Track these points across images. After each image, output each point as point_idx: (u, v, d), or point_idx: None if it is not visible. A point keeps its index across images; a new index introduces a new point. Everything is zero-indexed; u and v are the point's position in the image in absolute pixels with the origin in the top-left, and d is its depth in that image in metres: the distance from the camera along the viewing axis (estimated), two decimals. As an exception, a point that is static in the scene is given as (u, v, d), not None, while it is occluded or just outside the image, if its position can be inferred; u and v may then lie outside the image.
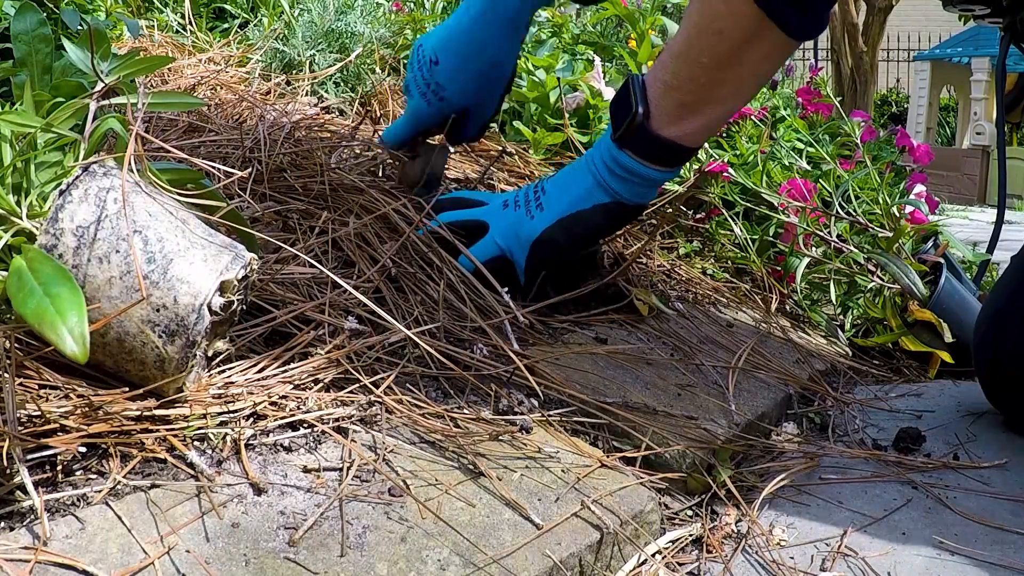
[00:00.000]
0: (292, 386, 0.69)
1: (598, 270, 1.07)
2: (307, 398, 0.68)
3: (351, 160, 1.13)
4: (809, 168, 1.53)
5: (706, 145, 1.47)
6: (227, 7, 1.93)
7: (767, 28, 0.84)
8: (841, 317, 1.40)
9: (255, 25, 1.81)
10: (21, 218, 0.58)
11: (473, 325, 0.85)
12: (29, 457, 0.55)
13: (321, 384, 0.70)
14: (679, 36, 0.89)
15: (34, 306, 0.51)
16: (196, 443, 0.60)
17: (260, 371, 0.68)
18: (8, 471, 0.52)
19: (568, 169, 0.99)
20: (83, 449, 0.56)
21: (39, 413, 0.55)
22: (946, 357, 1.19)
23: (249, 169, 0.96)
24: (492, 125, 1.23)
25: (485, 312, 0.88)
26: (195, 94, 1.23)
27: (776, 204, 1.35)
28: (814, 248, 1.33)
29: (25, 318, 0.50)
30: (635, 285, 1.08)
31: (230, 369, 0.68)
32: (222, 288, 0.61)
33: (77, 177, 0.58)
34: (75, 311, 0.51)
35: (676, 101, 0.90)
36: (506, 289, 0.91)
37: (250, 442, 0.62)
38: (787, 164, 1.50)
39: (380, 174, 1.12)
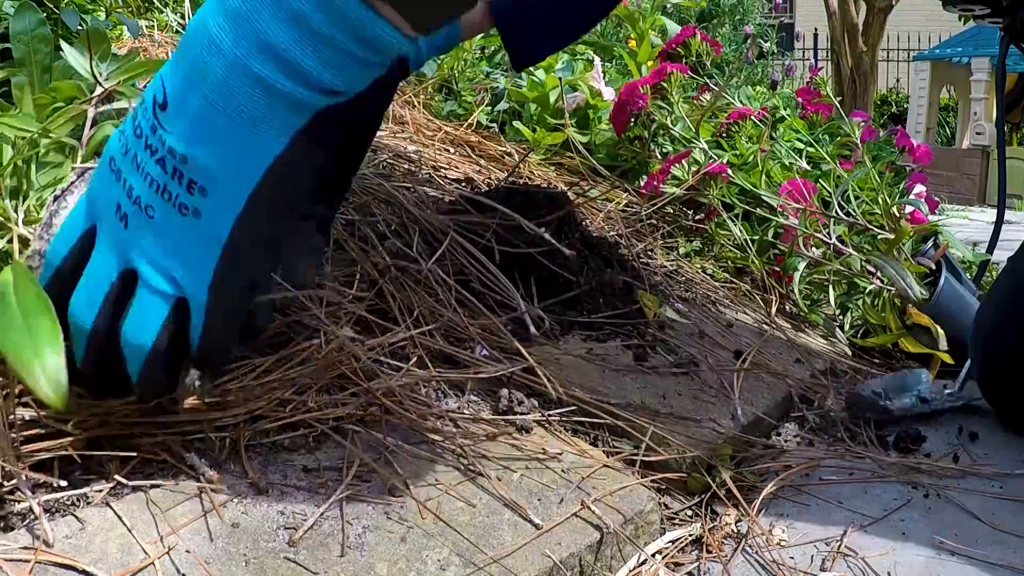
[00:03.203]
0: (292, 387, 0.69)
1: None
2: (307, 399, 0.68)
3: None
4: (809, 168, 1.53)
5: (705, 146, 1.47)
6: (227, 7, 1.92)
7: None
8: (841, 318, 1.40)
9: (255, 25, 1.80)
10: (17, 224, 0.58)
11: (478, 323, 0.85)
12: (28, 456, 0.55)
13: (321, 384, 0.70)
14: None
15: (13, 340, 0.47)
16: (196, 444, 0.60)
17: (260, 373, 0.68)
18: (7, 471, 0.52)
19: (204, 83, 0.44)
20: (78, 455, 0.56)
21: (36, 417, 0.55)
22: (946, 358, 1.19)
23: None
24: None
25: (492, 309, 0.88)
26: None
27: (775, 206, 1.35)
28: (814, 249, 1.33)
29: (4, 352, 0.47)
30: (639, 286, 1.08)
31: (229, 371, 0.68)
32: None
33: (72, 183, 0.57)
34: (54, 350, 0.46)
35: None
36: (543, 230, 0.86)
37: (250, 442, 0.62)
38: (787, 164, 1.50)
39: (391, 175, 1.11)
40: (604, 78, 1.63)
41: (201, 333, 0.53)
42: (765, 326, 1.22)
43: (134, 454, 0.57)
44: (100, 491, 0.54)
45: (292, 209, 0.55)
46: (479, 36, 1.36)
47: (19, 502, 0.52)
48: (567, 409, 0.79)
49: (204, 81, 0.50)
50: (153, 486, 0.56)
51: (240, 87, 0.50)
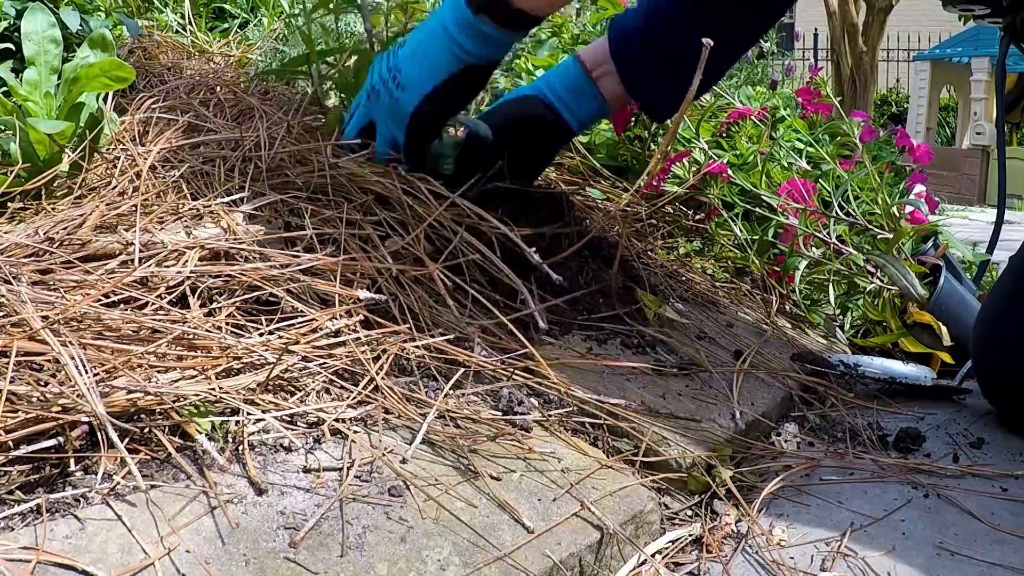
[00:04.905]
0: (292, 387, 0.69)
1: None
2: (307, 399, 0.68)
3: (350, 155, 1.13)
4: (809, 168, 1.52)
5: (706, 146, 1.47)
6: (227, 7, 1.93)
7: None
8: (841, 318, 1.40)
9: (255, 25, 1.81)
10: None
11: (478, 323, 0.85)
12: (27, 456, 0.55)
13: (321, 385, 0.70)
14: None
15: None
16: (196, 444, 0.60)
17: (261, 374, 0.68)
18: (6, 471, 0.52)
19: (417, 40, 1.02)
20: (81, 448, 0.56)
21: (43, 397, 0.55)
22: (946, 358, 1.19)
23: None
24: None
25: (495, 304, 0.88)
26: (195, 95, 1.23)
27: (776, 206, 1.35)
28: (814, 249, 1.33)
29: None
30: (639, 286, 1.08)
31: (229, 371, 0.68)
32: None
33: None
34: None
35: None
36: (534, 249, 0.91)
37: (250, 442, 0.62)
38: (787, 164, 1.50)
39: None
40: (604, 78, 1.62)
41: (406, 158, 1.03)
42: (765, 326, 1.22)
43: (134, 455, 0.57)
44: (100, 491, 0.54)
45: (443, 107, 1.03)
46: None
47: (19, 502, 0.52)
48: (567, 409, 0.79)
49: (420, 39, 1.01)
50: (153, 486, 0.56)
51: (435, 45, 1.00)
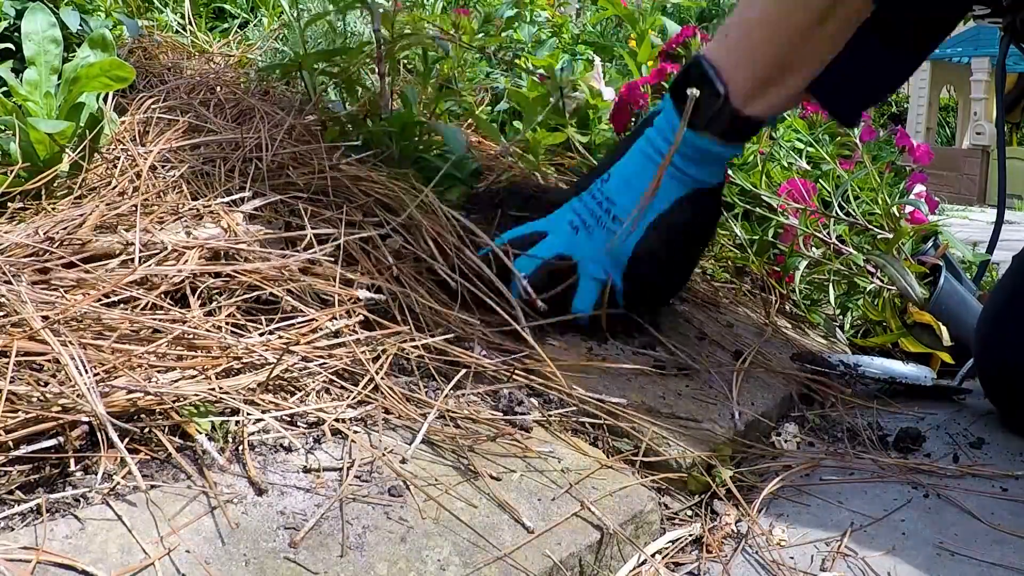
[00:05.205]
0: (292, 387, 0.69)
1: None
2: (307, 399, 0.68)
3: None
4: (809, 168, 1.53)
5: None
6: (227, 7, 1.93)
7: None
8: (841, 318, 1.40)
9: (255, 25, 1.81)
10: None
11: (478, 323, 0.85)
12: (27, 456, 0.55)
13: (321, 385, 0.70)
14: (753, 10, 0.89)
15: None
16: (196, 444, 0.60)
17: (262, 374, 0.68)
18: (6, 471, 0.52)
19: (623, 170, 0.94)
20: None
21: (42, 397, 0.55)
22: (946, 358, 1.19)
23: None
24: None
25: (492, 310, 0.88)
26: (195, 95, 1.23)
27: (775, 206, 1.35)
28: (814, 249, 1.33)
29: None
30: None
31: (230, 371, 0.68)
32: None
33: None
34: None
35: (760, 75, 0.88)
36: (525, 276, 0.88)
37: (250, 442, 0.62)
38: (787, 164, 1.50)
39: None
40: (604, 78, 1.63)
41: (623, 300, 0.94)
42: (765, 326, 1.22)
43: (134, 455, 0.57)
44: (100, 491, 0.54)
45: (669, 247, 0.92)
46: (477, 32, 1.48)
47: (18, 502, 0.52)
48: (567, 409, 0.79)
49: (629, 169, 0.93)
50: (153, 486, 0.56)
51: (649, 171, 0.90)
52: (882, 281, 1.29)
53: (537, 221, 0.97)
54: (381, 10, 1.17)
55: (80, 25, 1.24)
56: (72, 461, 0.56)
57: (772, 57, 0.87)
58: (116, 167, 0.98)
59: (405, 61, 1.73)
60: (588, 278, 0.93)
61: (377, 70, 1.19)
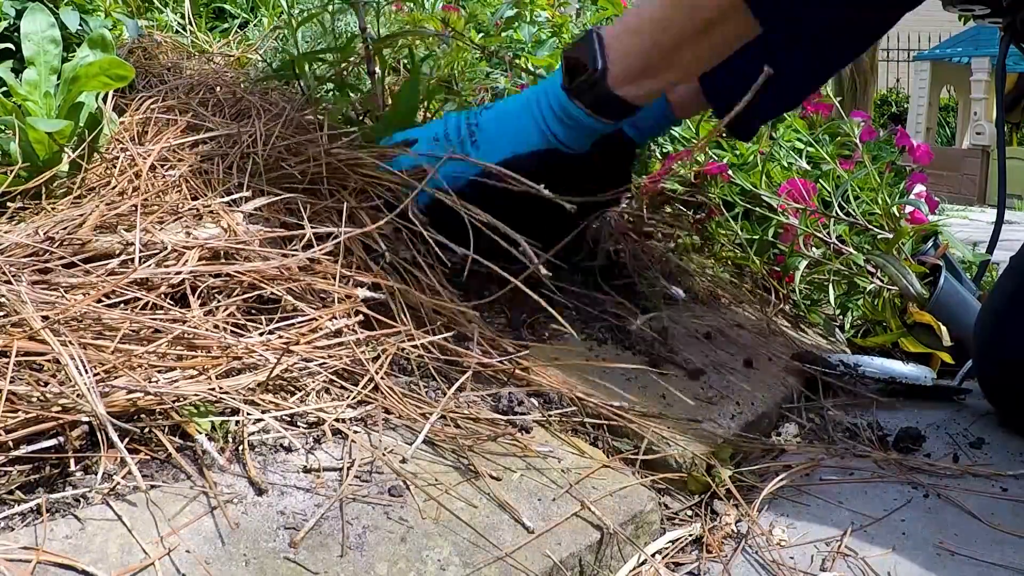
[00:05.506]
0: (292, 387, 0.69)
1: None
2: (307, 399, 0.68)
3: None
4: (809, 168, 1.53)
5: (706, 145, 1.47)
6: (227, 7, 1.93)
7: (739, 9, 0.88)
8: (840, 317, 1.40)
9: (255, 25, 1.81)
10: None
11: (478, 323, 0.85)
12: (27, 456, 0.55)
13: (321, 385, 0.70)
14: (651, 4, 0.92)
15: None
16: (196, 444, 0.60)
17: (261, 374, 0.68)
18: (6, 471, 0.52)
19: (504, 107, 0.99)
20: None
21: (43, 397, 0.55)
22: (946, 358, 1.19)
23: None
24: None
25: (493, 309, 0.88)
26: (195, 95, 1.23)
27: (775, 206, 1.35)
28: (814, 249, 1.33)
29: None
30: (639, 286, 1.08)
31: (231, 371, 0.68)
32: None
33: None
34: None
35: (638, 64, 0.91)
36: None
37: (250, 442, 0.62)
38: (787, 164, 1.50)
39: None
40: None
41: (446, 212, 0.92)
42: (765, 326, 1.22)
43: (134, 455, 0.57)
44: (100, 491, 0.54)
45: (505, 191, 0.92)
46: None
47: (18, 502, 0.52)
48: (567, 409, 0.79)
49: (509, 107, 0.99)
50: (153, 486, 0.56)
51: (525, 116, 0.96)
52: (882, 281, 1.29)
53: (415, 129, 1.05)
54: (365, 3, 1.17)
55: (80, 25, 1.24)
56: (72, 461, 0.56)
57: (654, 51, 0.91)
58: (116, 167, 0.98)
59: (405, 61, 1.73)
60: (431, 183, 0.95)
61: (367, 69, 1.19)
